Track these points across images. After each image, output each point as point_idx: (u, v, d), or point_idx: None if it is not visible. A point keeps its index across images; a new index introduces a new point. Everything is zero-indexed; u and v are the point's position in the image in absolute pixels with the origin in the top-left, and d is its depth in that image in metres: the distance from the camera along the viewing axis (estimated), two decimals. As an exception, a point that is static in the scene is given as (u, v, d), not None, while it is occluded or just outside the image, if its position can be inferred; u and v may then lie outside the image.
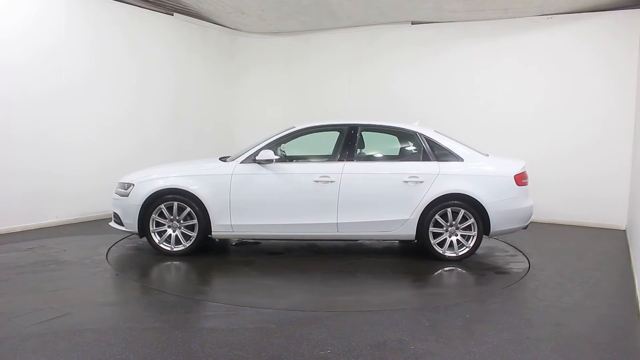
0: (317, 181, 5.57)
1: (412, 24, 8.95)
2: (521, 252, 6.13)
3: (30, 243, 6.02)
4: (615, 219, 7.72)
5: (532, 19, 8.12)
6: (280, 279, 5.05)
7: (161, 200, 5.60)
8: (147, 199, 5.58)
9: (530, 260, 5.76)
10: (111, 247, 5.99)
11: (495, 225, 5.57)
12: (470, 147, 5.86)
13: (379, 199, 5.58)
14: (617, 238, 7.14)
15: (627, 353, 3.48)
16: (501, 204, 5.57)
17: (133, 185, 5.70)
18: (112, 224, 5.91)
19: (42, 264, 5.18)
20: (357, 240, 6.23)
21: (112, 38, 7.71)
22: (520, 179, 5.67)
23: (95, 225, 7.19)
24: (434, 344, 3.49)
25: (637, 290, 4.64)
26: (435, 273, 5.33)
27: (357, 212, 5.57)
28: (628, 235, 6.97)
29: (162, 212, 5.63)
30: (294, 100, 9.99)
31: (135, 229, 5.64)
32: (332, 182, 5.56)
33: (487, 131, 8.26)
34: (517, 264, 5.67)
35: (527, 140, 8.12)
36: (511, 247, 6.33)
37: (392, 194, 5.58)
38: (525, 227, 5.85)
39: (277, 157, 5.64)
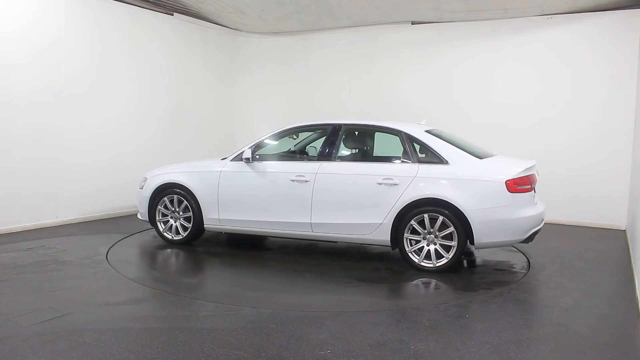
0: (293, 180, 5.59)
1: (412, 24, 8.94)
2: (521, 252, 6.12)
3: (30, 243, 6.02)
4: (615, 218, 7.72)
5: (532, 19, 8.12)
6: (234, 272, 5.39)
7: (164, 194, 6.18)
8: (153, 191, 6.21)
9: (530, 260, 5.76)
10: (111, 247, 5.99)
11: (480, 236, 4.99)
12: (465, 150, 5.37)
13: (351, 201, 5.39)
14: (617, 238, 7.13)
15: (627, 353, 3.48)
16: (487, 213, 4.97)
17: (146, 179, 6.37)
18: (138, 214, 6.51)
19: (42, 264, 5.18)
20: (336, 242, 6.02)
21: (112, 38, 7.70)
22: (514, 185, 4.98)
23: (95, 225, 7.19)
24: (434, 344, 3.49)
25: (637, 290, 4.64)
26: (380, 281, 4.98)
27: (330, 213, 5.47)
28: (628, 235, 6.97)
29: (166, 204, 6.19)
30: (294, 100, 9.99)
31: (147, 218, 6.30)
32: (306, 181, 5.54)
33: (487, 130, 8.24)
34: (517, 264, 5.67)
35: (527, 139, 8.11)
36: (511, 247, 6.31)
37: (365, 196, 5.32)
38: (527, 241, 5.19)
39: (261, 156, 5.89)
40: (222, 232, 6.51)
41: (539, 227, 5.29)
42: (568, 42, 7.96)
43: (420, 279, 5.03)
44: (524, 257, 5.93)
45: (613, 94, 7.69)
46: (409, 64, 9.05)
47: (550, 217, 7.92)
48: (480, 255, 5.93)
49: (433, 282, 4.96)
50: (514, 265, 5.64)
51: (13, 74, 6.48)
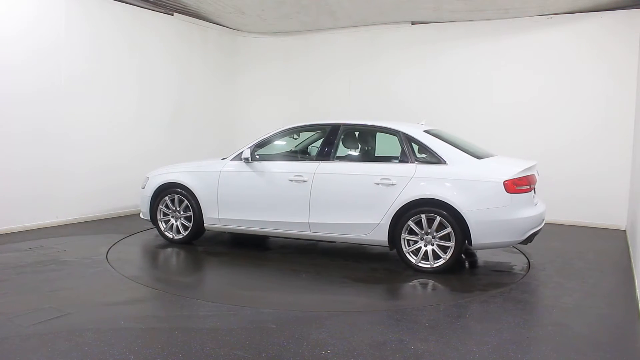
0: (292, 180, 5.60)
1: (412, 24, 8.94)
2: (521, 252, 6.12)
3: (30, 243, 6.02)
4: (615, 218, 7.72)
5: (532, 19, 8.12)
6: (231, 272, 5.44)
7: (165, 193, 6.23)
8: (155, 191, 6.27)
9: (531, 261, 5.76)
10: (111, 247, 5.99)
11: (477, 237, 4.94)
12: (464, 150, 5.32)
13: (349, 201, 5.37)
14: (617, 238, 7.14)
15: (627, 353, 3.48)
16: (484, 213, 4.92)
17: (148, 178, 6.43)
18: (140, 213, 6.56)
19: (42, 264, 5.18)
20: (335, 242, 6.00)
21: (112, 38, 7.70)
22: (513, 186, 4.93)
23: (95, 225, 7.19)
24: (434, 344, 3.49)
25: (637, 290, 4.64)
26: (376, 283, 4.91)
27: (328, 213, 5.46)
28: (628, 235, 6.97)
29: (167, 203, 6.24)
30: (294, 100, 9.99)
31: (148, 217, 6.34)
32: (304, 181, 5.54)
33: (487, 130, 8.23)
34: (517, 264, 5.67)
35: (527, 139, 8.12)
36: (511, 248, 6.31)
37: (362, 196, 5.30)
38: (526, 242, 5.14)
39: (256, 157, 5.91)
40: (224, 232, 6.52)
41: (538, 228, 5.23)
42: (568, 42, 7.96)
43: (417, 280, 5.00)
44: (524, 257, 5.93)
45: (613, 94, 7.69)
46: (409, 64, 9.05)
47: (550, 217, 7.91)
48: (480, 256, 5.93)
49: (430, 282, 4.93)
50: (514, 266, 5.64)
51: (13, 74, 6.48)
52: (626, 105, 7.58)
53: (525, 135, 8.17)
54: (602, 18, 7.72)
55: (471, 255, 5.91)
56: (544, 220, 5.41)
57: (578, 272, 5.39)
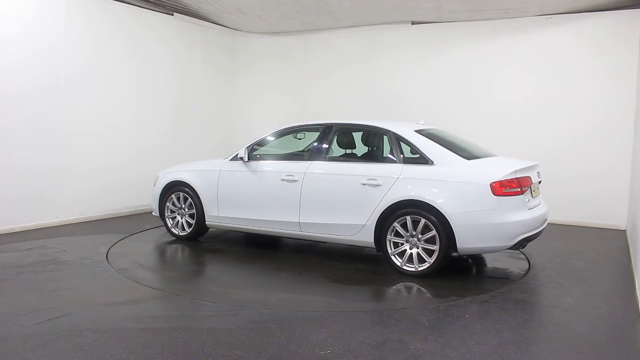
0: (284, 180, 5.65)
1: (412, 23, 8.94)
2: (521, 252, 6.11)
3: (30, 243, 6.02)
4: (615, 218, 7.71)
5: (532, 19, 8.11)
6: (216, 268, 5.60)
7: (172, 191, 6.44)
8: (163, 189, 6.48)
9: (530, 260, 5.75)
10: (111, 247, 5.99)
11: (462, 241, 4.74)
12: (455, 151, 5.16)
13: (336, 201, 5.34)
14: (617, 238, 7.13)
15: (627, 353, 3.49)
16: (470, 216, 4.72)
17: (159, 177, 6.64)
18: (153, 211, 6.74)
19: (42, 264, 5.18)
20: (325, 242, 5.92)
21: (112, 37, 7.70)
22: (500, 188, 4.70)
23: (95, 225, 7.19)
24: (434, 344, 3.49)
25: (637, 290, 4.64)
26: (352, 285, 4.85)
27: (317, 213, 5.46)
28: (628, 235, 6.97)
29: (174, 201, 6.44)
30: (294, 100, 9.99)
31: (158, 214, 6.54)
32: (295, 181, 5.58)
33: (488, 130, 8.22)
34: (517, 264, 5.66)
35: (527, 139, 8.11)
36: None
37: (349, 197, 5.26)
38: (516, 247, 4.90)
39: (252, 157, 5.99)
40: (233, 230, 6.51)
41: (531, 233, 4.96)
42: (568, 42, 7.96)
43: (400, 283, 4.86)
44: (524, 257, 5.92)
45: (613, 94, 7.69)
46: (409, 64, 9.05)
47: (550, 217, 7.90)
48: (480, 255, 5.92)
49: (414, 286, 4.80)
50: (514, 266, 5.63)
51: (13, 73, 6.48)
52: (626, 105, 7.58)
53: (525, 135, 8.15)
54: (602, 18, 7.72)
55: (479, 259, 5.86)
56: (544, 223, 5.27)
57: (578, 272, 5.39)
